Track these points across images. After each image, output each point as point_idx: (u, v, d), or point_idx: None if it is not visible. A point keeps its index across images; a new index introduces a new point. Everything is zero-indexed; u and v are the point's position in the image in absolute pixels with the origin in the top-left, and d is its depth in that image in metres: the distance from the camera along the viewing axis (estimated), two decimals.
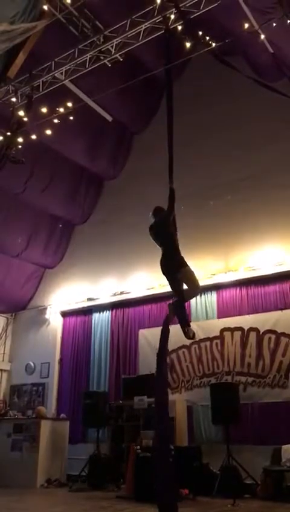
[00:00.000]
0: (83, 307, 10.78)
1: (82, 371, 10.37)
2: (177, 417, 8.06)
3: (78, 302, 10.83)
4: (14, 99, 8.39)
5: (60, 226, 11.46)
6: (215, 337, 8.76)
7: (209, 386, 8.26)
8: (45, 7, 7.22)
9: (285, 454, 7.09)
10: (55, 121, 8.05)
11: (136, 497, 6.89)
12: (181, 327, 5.38)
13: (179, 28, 6.89)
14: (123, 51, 7.69)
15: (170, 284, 5.72)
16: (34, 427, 9.05)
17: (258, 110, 9.19)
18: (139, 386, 8.69)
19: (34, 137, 8.17)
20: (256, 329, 8.39)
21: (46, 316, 11.26)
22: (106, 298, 10.41)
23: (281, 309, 8.29)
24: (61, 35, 7.87)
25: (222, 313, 8.93)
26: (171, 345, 9.15)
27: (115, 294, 10.31)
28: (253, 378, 8.21)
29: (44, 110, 7.99)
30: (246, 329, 8.50)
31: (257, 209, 8.80)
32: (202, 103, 10.03)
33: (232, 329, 8.63)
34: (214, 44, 6.45)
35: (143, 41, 7.45)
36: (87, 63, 7.94)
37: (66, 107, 7.95)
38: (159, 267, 5.54)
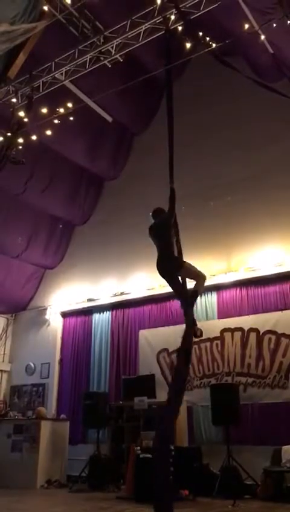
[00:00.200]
0: (83, 308, 10.78)
1: (82, 372, 10.37)
2: (177, 418, 8.04)
3: (79, 302, 10.84)
4: (14, 100, 8.38)
5: (60, 226, 11.46)
6: (215, 338, 8.76)
7: (209, 387, 8.26)
8: (45, 8, 7.21)
9: (285, 454, 7.08)
10: (56, 121, 8.04)
11: (136, 497, 6.88)
12: (188, 327, 5.32)
13: (179, 28, 6.89)
14: (123, 52, 7.69)
15: (170, 286, 5.71)
16: (34, 428, 9.04)
17: (258, 110, 9.20)
18: (140, 386, 8.70)
19: (34, 138, 8.16)
20: (256, 330, 8.39)
21: (46, 317, 11.26)
22: (106, 299, 10.41)
23: (282, 310, 8.29)
24: (61, 36, 7.86)
25: (222, 313, 8.93)
26: (171, 345, 9.21)
27: (115, 295, 10.31)
28: (253, 379, 8.21)
29: (44, 110, 7.98)
30: (246, 330, 8.49)
31: (257, 210, 8.80)
32: (202, 103, 10.04)
33: (232, 330, 8.63)
34: (214, 45, 6.44)
35: (143, 41, 7.44)
36: (88, 64, 7.93)
37: (66, 108, 7.94)
38: None
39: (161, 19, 7.01)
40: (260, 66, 8.65)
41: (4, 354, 11.63)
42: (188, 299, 5.58)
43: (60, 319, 11.19)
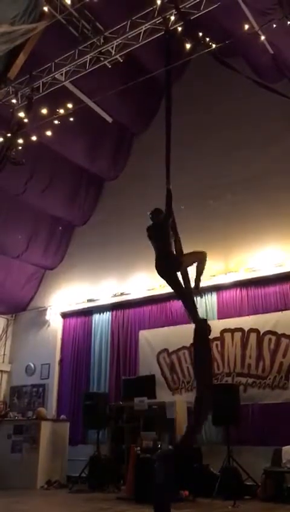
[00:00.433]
0: (83, 308, 10.77)
1: (82, 372, 10.36)
2: (177, 418, 8.04)
3: (79, 303, 10.84)
4: (14, 101, 8.39)
5: (60, 227, 11.46)
6: (215, 338, 8.73)
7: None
8: (45, 8, 7.22)
9: (285, 455, 7.08)
10: (56, 122, 8.04)
11: (136, 498, 6.87)
12: (197, 326, 5.34)
13: (179, 29, 6.89)
14: (123, 52, 7.70)
15: (170, 285, 5.72)
16: (34, 429, 9.03)
17: (258, 110, 9.20)
18: (140, 387, 8.69)
19: (34, 138, 8.16)
20: (256, 331, 8.39)
21: (47, 317, 11.26)
22: (106, 299, 10.41)
23: (282, 310, 8.28)
24: (61, 37, 7.87)
25: (222, 314, 8.92)
26: (172, 346, 9.22)
27: (115, 296, 10.31)
28: (253, 379, 8.21)
29: (44, 111, 7.97)
30: (246, 331, 8.49)
31: (257, 210, 8.80)
32: (202, 104, 10.05)
33: (232, 331, 8.63)
34: (214, 46, 6.44)
35: (143, 42, 7.45)
36: (88, 64, 7.94)
37: (66, 108, 7.94)
38: None
39: (161, 20, 7.01)
40: (260, 67, 8.65)
41: (4, 354, 11.63)
42: (191, 299, 5.59)
43: (60, 320, 11.19)
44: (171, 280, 5.61)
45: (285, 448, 7.15)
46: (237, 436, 7.71)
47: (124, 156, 11.30)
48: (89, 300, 10.66)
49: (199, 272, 5.73)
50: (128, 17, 7.30)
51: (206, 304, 9.09)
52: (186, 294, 5.58)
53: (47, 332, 11.25)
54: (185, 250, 5.70)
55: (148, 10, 7.11)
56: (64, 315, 11.18)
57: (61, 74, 8.15)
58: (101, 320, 10.54)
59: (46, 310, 11.32)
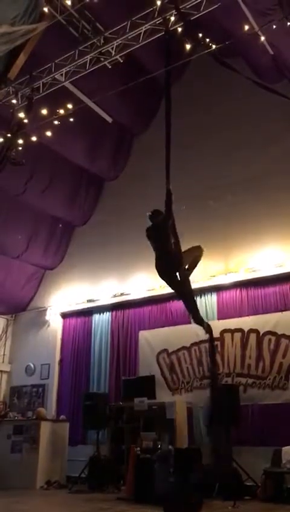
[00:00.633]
0: (83, 308, 10.77)
1: (82, 372, 10.36)
2: (177, 419, 8.05)
3: (78, 303, 10.83)
4: (14, 101, 8.39)
5: (60, 227, 11.46)
6: (215, 339, 8.71)
7: (209, 388, 8.24)
8: (45, 9, 7.22)
9: (285, 455, 7.08)
10: (56, 122, 8.05)
11: (136, 498, 6.88)
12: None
13: (179, 29, 6.89)
14: (123, 53, 7.69)
15: (170, 286, 5.72)
16: (34, 429, 9.03)
17: (258, 111, 9.20)
18: (139, 387, 8.69)
19: (34, 138, 8.17)
20: (256, 331, 8.39)
21: (46, 317, 11.26)
22: (106, 299, 10.41)
23: (282, 311, 8.28)
24: (61, 37, 7.87)
25: (222, 314, 8.92)
26: (171, 346, 9.22)
27: (115, 296, 10.31)
28: (253, 380, 8.21)
29: (44, 111, 7.98)
30: (246, 331, 8.49)
31: (257, 210, 8.80)
32: (202, 104, 10.05)
33: (232, 331, 8.63)
34: (214, 46, 6.44)
35: (143, 42, 7.45)
36: (88, 65, 7.94)
37: (66, 109, 7.95)
38: None
39: (161, 20, 7.01)
40: (260, 67, 8.65)
41: (4, 354, 11.62)
42: (191, 298, 5.61)
43: (60, 320, 11.19)
44: (171, 280, 5.62)
45: (285, 449, 7.15)
46: (237, 437, 7.70)
47: (124, 156, 11.30)
48: (89, 301, 10.65)
49: (195, 264, 5.74)
50: (128, 17, 7.30)
51: (206, 304, 9.09)
52: (187, 294, 5.59)
53: (47, 332, 11.25)
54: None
55: (148, 11, 7.11)
56: (64, 315, 11.17)
57: (62, 74, 8.15)
58: (101, 320, 10.54)
59: (46, 310, 11.32)
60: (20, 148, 7.95)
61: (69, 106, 7.97)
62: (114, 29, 7.51)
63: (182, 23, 6.78)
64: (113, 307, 10.39)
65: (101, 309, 10.57)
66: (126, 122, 10.95)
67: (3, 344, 11.67)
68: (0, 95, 8.42)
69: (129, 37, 7.44)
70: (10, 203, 10.25)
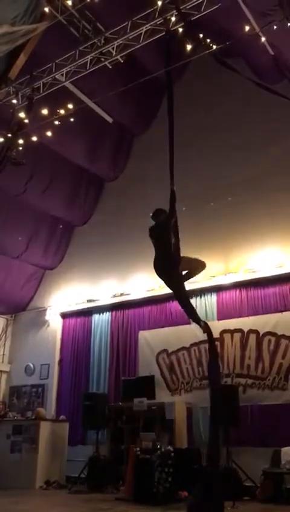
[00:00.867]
0: (83, 308, 10.77)
1: (82, 373, 10.36)
2: (176, 419, 8.04)
3: (78, 303, 10.83)
4: (14, 101, 8.40)
5: (60, 227, 11.46)
6: (215, 339, 8.73)
7: (209, 388, 8.24)
8: (46, 9, 7.22)
9: (285, 456, 7.08)
10: (56, 122, 8.05)
11: (135, 499, 6.87)
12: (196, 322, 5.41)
13: (180, 30, 6.89)
14: (124, 53, 7.70)
15: (167, 285, 5.74)
16: (34, 429, 9.03)
17: (258, 111, 9.21)
18: (139, 387, 8.69)
19: (34, 138, 8.17)
20: (256, 331, 8.39)
21: (46, 317, 11.26)
22: (105, 299, 10.41)
23: (281, 311, 8.28)
24: (62, 37, 7.87)
25: (222, 314, 8.92)
26: (171, 346, 9.21)
27: (115, 296, 10.31)
28: (253, 380, 8.21)
29: (44, 111, 7.98)
30: (245, 331, 8.49)
31: (257, 211, 8.80)
32: (202, 104, 10.06)
33: (232, 331, 8.63)
34: (214, 47, 6.44)
35: (144, 43, 7.46)
36: (88, 65, 7.94)
37: (66, 109, 7.95)
38: None
39: (162, 20, 7.03)
40: (260, 68, 8.66)
41: (3, 354, 11.63)
42: (186, 299, 5.61)
43: (60, 320, 11.19)
44: (169, 281, 5.63)
45: (284, 449, 7.15)
46: (236, 437, 7.70)
47: (124, 156, 11.30)
48: (89, 301, 10.65)
49: (189, 275, 5.77)
50: (129, 17, 7.31)
51: (205, 305, 9.10)
52: (181, 295, 5.59)
53: (46, 332, 11.25)
54: (185, 251, 5.70)
55: (149, 11, 7.11)
56: (64, 315, 11.17)
57: (62, 74, 8.16)
58: (101, 320, 10.54)
59: (45, 310, 11.32)
60: (20, 148, 7.95)
61: (70, 106, 7.97)
62: (115, 29, 7.51)
63: (182, 24, 6.78)
64: (113, 307, 10.39)
65: (100, 309, 10.57)
66: (126, 123, 10.95)
67: (3, 344, 11.67)
68: (0, 95, 8.42)
69: (130, 37, 7.44)
70: (10, 203, 10.24)
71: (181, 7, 6.67)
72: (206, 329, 5.38)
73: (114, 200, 11.20)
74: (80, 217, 11.53)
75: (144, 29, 7.29)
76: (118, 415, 8.87)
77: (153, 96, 10.19)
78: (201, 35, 6.49)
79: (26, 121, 7.95)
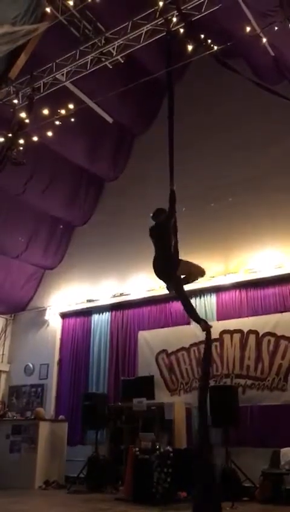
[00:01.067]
0: (83, 309, 10.77)
1: (81, 373, 10.36)
2: (176, 419, 8.04)
3: (78, 303, 10.83)
4: (15, 101, 8.40)
5: (60, 227, 11.46)
6: (214, 340, 8.69)
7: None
8: (47, 9, 7.22)
9: (284, 457, 7.08)
10: (56, 122, 8.05)
11: (134, 499, 6.87)
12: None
13: (181, 30, 6.89)
14: (124, 53, 7.70)
15: (167, 286, 5.75)
16: (33, 429, 9.03)
17: (258, 112, 9.20)
18: (139, 387, 8.69)
19: (35, 138, 8.17)
20: (255, 332, 8.39)
21: (46, 317, 11.25)
22: (105, 300, 10.41)
23: (281, 312, 8.28)
24: (62, 37, 7.87)
25: (222, 315, 8.92)
26: (171, 346, 9.21)
27: (114, 296, 10.30)
28: (252, 381, 8.20)
29: (45, 111, 7.98)
30: (245, 332, 8.49)
31: (257, 211, 8.80)
32: (203, 105, 10.05)
33: (231, 332, 8.63)
34: (215, 47, 6.45)
35: (144, 43, 7.46)
36: (89, 65, 7.95)
37: (67, 109, 7.95)
38: None
39: (163, 21, 7.03)
40: (260, 68, 8.66)
41: (3, 354, 11.62)
42: (186, 299, 5.62)
43: (59, 320, 11.19)
44: (168, 281, 5.64)
45: (283, 450, 7.15)
46: (236, 438, 7.71)
47: (124, 156, 11.30)
48: (89, 301, 10.65)
49: (187, 280, 5.77)
50: (129, 18, 7.31)
51: (205, 305, 9.10)
52: (182, 294, 5.60)
53: (46, 332, 11.24)
54: (185, 251, 5.70)
55: (149, 11, 7.12)
56: (64, 315, 11.17)
57: (62, 74, 8.16)
58: (101, 320, 10.54)
59: (45, 310, 11.31)
60: (20, 148, 7.95)
61: (70, 106, 7.97)
62: (115, 29, 7.52)
63: (183, 24, 6.78)
64: (113, 307, 10.38)
65: (100, 309, 10.57)
66: (127, 123, 10.95)
67: (2, 344, 11.66)
68: (1, 95, 8.43)
69: (130, 38, 7.45)
70: (10, 203, 10.24)
71: (182, 7, 6.67)
72: (205, 327, 5.40)
73: (114, 200, 11.20)
74: (80, 217, 11.53)
75: (145, 30, 7.29)
76: (117, 415, 8.87)
77: (153, 97, 10.18)
78: (202, 36, 6.50)
79: (26, 120, 7.95)
